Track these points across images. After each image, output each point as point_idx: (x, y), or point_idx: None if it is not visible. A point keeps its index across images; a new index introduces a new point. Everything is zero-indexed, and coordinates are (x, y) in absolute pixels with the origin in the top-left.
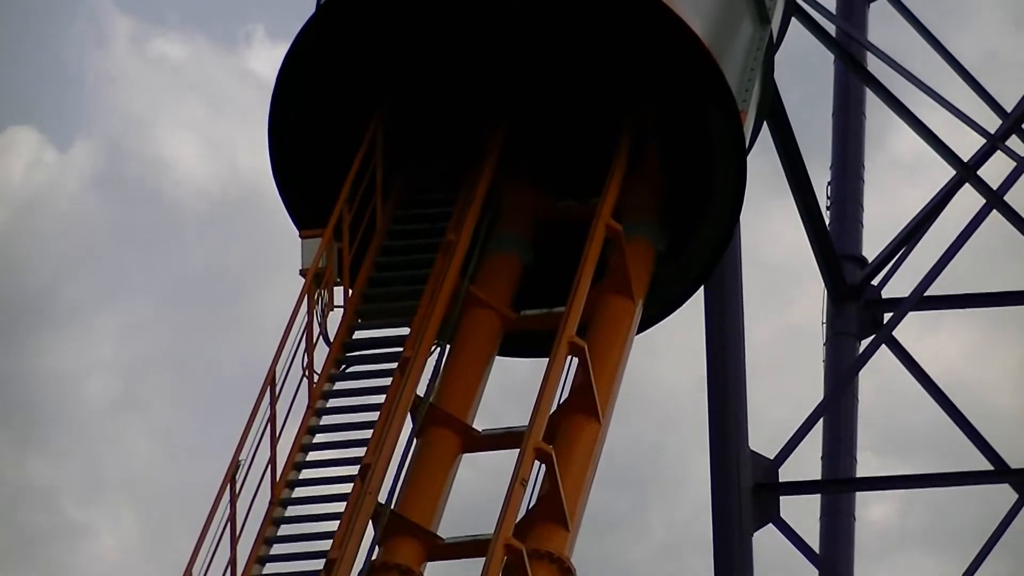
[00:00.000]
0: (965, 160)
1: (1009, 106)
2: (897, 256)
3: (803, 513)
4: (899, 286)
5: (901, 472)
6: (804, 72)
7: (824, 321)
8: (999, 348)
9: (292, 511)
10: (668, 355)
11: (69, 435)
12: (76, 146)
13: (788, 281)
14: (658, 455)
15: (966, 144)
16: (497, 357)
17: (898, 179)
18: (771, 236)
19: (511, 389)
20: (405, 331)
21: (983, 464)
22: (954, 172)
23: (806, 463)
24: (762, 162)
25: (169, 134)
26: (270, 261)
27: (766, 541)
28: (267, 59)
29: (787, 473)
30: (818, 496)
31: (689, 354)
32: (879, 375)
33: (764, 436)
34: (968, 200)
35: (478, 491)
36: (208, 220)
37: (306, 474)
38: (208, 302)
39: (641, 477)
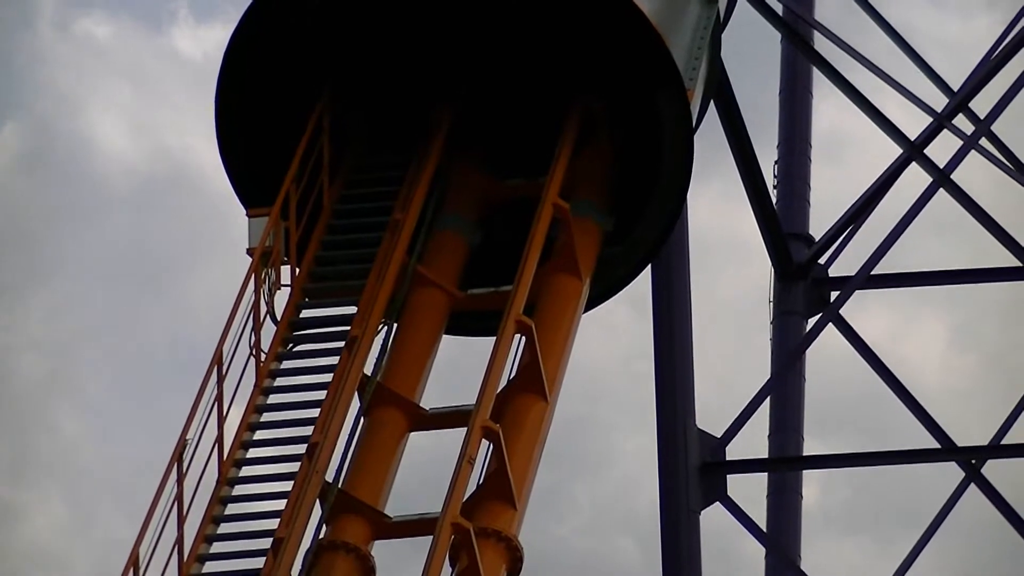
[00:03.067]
0: (912, 139)
1: (956, 85)
2: (844, 235)
3: (750, 491)
4: (847, 264)
5: (847, 451)
6: (751, 51)
7: (771, 300)
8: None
9: (239, 490)
10: (591, 329)
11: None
12: (5, 126)
13: (735, 260)
14: (583, 430)
15: (913, 123)
16: (446, 336)
17: (845, 158)
18: (718, 215)
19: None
20: (352, 310)
21: (929, 442)
22: (901, 151)
23: (753, 442)
24: (709, 141)
25: (96, 114)
26: (198, 239)
27: (713, 519)
28: (191, 38)
29: (734, 451)
30: (765, 474)
31: (612, 329)
32: (826, 353)
33: (711, 415)
34: (915, 179)
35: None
36: (135, 199)
37: (253, 453)
38: (137, 280)
39: (567, 452)
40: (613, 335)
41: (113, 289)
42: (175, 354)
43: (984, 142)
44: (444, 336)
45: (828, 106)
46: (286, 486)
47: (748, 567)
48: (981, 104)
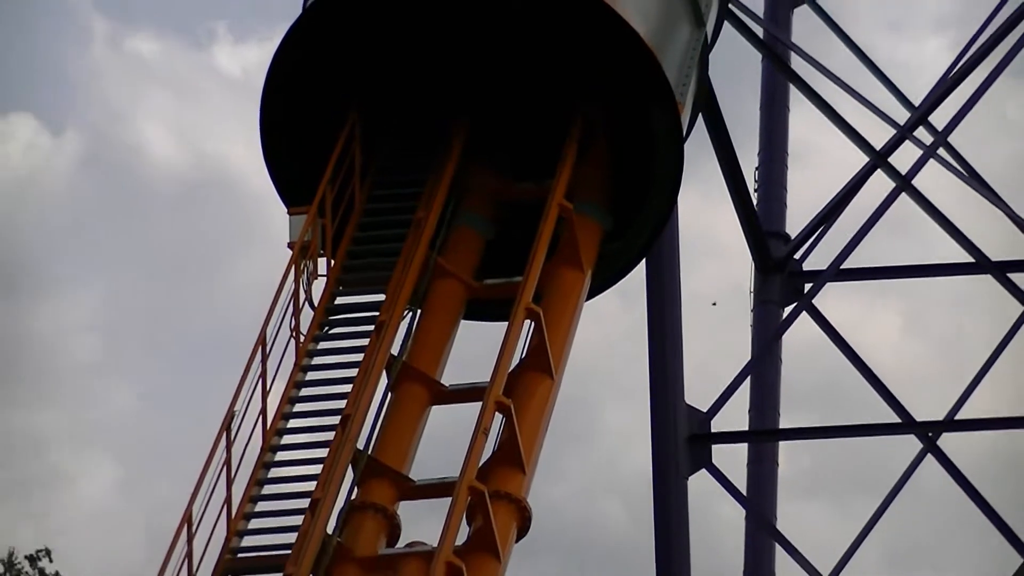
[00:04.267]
0: (878, 148)
1: (917, 100)
2: (817, 233)
3: (732, 460)
4: (819, 259)
5: (819, 424)
6: (735, 70)
7: (751, 290)
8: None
9: (280, 456)
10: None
11: (57, 389)
12: (67, 132)
13: (719, 255)
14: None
15: (879, 134)
16: (464, 321)
17: (818, 165)
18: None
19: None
20: (381, 297)
21: (891, 417)
22: (868, 159)
23: (735, 416)
24: (698, 149)
25: (144, 122)
26: (235, 235)
27: (699, 485)
28: (230, 54)
29: (718, 425)
30: (745, 445)
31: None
32: (799, 338)
33: (698, 392)
34: (880, 184)
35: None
36: (179, 199)
37: (293, 423)
38: (180, 271)
39: (561, 425)
40: (604, 322)
41: (160, 278)
42: (215, 337)
43: (942, 151)
44: (462, 320)
45: (803, 118)
46: (322, 453)
47: (726, 528)
48: (939, 117)
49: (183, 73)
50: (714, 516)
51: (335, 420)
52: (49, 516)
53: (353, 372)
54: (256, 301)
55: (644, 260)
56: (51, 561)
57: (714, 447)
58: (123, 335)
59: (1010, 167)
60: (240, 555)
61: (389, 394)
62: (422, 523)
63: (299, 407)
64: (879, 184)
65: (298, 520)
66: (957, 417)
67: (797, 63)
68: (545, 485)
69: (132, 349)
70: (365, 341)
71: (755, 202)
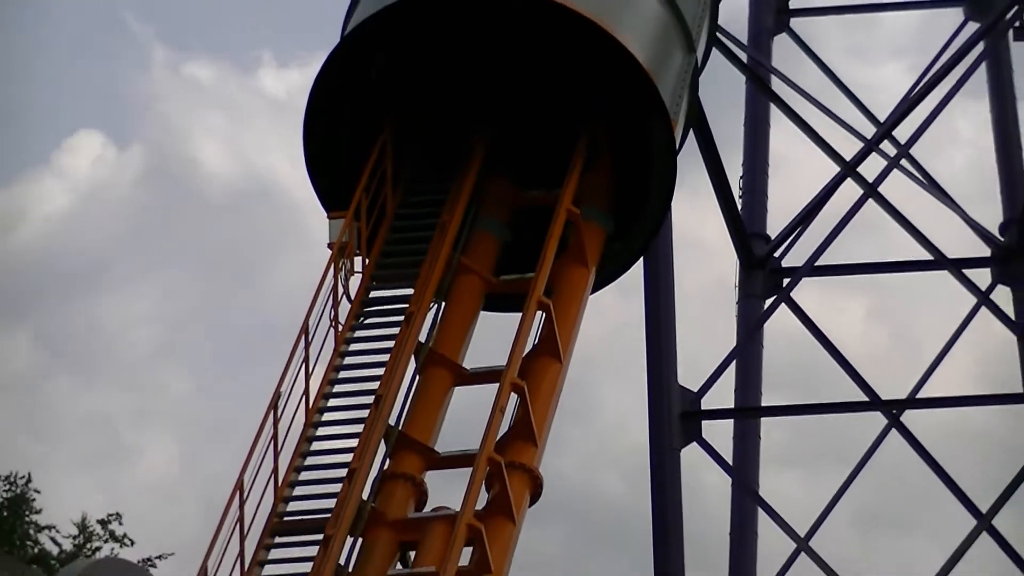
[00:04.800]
0: (848, 159)
1: (883, 117)
2: (794, 234)
3: (720, 435)
4: (796, 257)
5: (796, 402)
6: (722, 90)
7: (737, 285)
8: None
9: (321, 432)
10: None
11: (122, 375)
12: (131, 147)
13: (708, 253)
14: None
15: (849, 147)
16: (483, 312)
17: (795, 174)
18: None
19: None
20: (410, 291)
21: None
22: (839, 169)
23: (722, 395)
24: (689, 161)
25: (199, 139)
26: (279, 238)
27: (690, 457)
28: (274, 78)
29: (707, 403)
30: (731, 421)
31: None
32: (779, 327)
33: (690, 374)
34: (851, 190)
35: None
36: (230, 206)
37: (332, 403)
38: (230, 270)
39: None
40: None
41: (212, 277)
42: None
43: (904, 162)
44: (481, 312)
45: (782, 133)
46: (358, 428)
47: (714, 495)
48: (902, 132)
49: (233, 95)
50: (703, 484)
51: (369, 399)
52: (116, 486)
53: (385, 357)
54: (297, 296)
55: (642, 258)
56: (120, 524)
57: (704, 423)
58: (180, 326)
59: (963, 175)
60: (286, 518)
61: (417, 376)
62: (446, 490)
63: (337, 388)
64: (849, 191)
65: (337, 488)
66: (918, 396)
67: (777, 84)
68: (552, 457)
69: (188, 339)
70: (396, 330)
71: (739, 207)
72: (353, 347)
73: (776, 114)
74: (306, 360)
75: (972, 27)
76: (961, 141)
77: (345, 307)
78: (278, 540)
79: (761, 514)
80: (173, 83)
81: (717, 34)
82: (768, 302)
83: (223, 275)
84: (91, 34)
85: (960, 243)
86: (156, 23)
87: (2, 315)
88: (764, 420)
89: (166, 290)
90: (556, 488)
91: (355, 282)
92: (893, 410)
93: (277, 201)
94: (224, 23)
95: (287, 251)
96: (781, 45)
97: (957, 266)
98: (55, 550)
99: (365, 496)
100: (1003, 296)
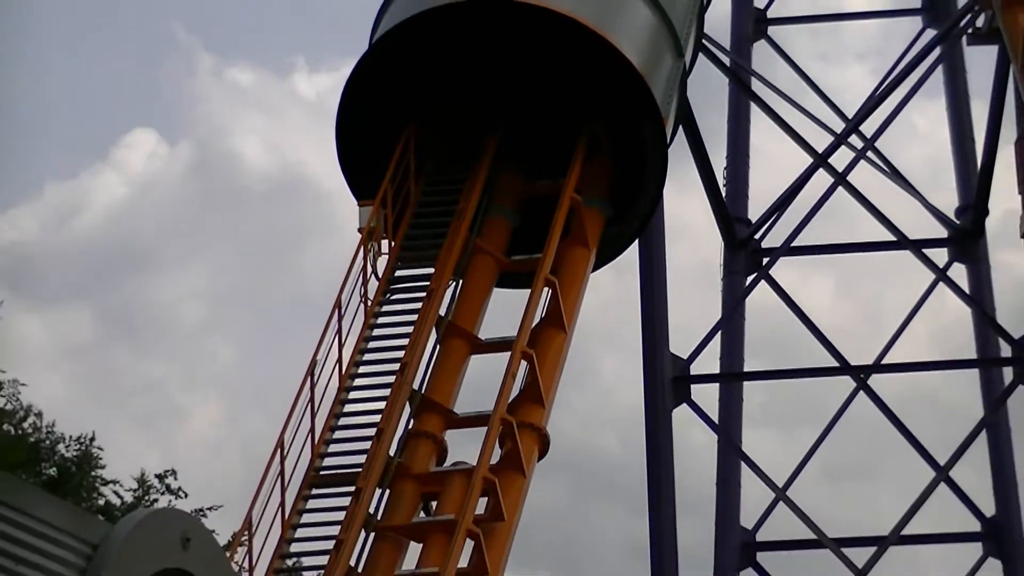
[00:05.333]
0: (820, 151)
1: (851, 114)
2: (772, 218)
3: (707, 397)
4: (774, 239)
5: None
6: (708, 91)
7: (721, 263)
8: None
9: (353, 396)
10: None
11: (174, 344)
12: (180, 143)
13: (696, 236)
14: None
15: (821, 140)
16: (496, 289)
17: (773, 165)
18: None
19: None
20: (431, 270)
21: (831, 362)
22: (812, 160)
23: (709, 362)
24: (679, 153)
25: (240, 136)
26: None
27: (680, 416)
28: (307, 82)
29: (696, 368)
30: (717, 384)
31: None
32: (759, 300)
33: (681, 343)
34: (822, 179)
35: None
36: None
37: (362, 370)
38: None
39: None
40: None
41: (252, 258)
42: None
43: (870, 154)
44: (495, 288)
45: (761, 128)
46: (385, 392)
47: (702, 451)
48: (868, 127)
49: (270, 97)
50: (692, 441)
51: (395, 367)
52: (169, 444)
53: (409, 329)
54: (329, 274)
55: (637, 240)
56: (175, 479)
57: (692, 387)
58: (224, 301)
59: (923, 166)
60: (322, 472)
61: (438, 346)
62: (464, 447)
63: (367, 357)
64: (821, 179)
65: (367, 445)
66: (883, 362)
67: (756, 85)
68: (554, 417)
69: (232, 312)
70: (419, 305)
71: (723, 194)
72: (381, 320)
73: (756, 112)
74: (339, 332)
75: (930, 33)
76: (921, 135)
77: (373, 285)
78: (315, 492)
79: (743, 468)
80: (217, 86)
81: (703, 40)
82: (749, 279)
83: (262, 256)
84: (146, 43)
85: (920, 226)
86: (202, 34)
87: (68, 292)
88: (746, 383)
89: (212, 269)
90: (559, 445)
91: (382, 262)
92: (860, 375)
93: (309, 191)
94: (262, 33)
95: (318, 235)
96: (760, 50)
97: (917, 246)
98: (117, 502)
99: (392, 452)
100: (959, 273)
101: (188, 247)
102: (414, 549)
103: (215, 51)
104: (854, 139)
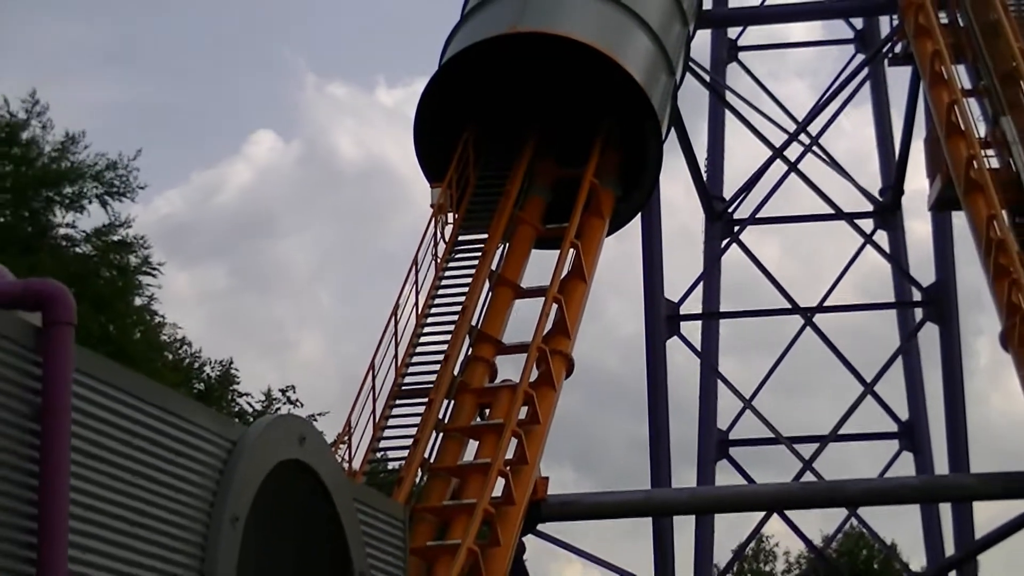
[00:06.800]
0: (777, 146)
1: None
2: (741, 197)
3: (693, 331)
4: (743, 212)
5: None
6: (693, 99)
7: (703, 231)
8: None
9: (427, 330)
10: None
11: (289, 289)
12: (293, 141)
13: (683, 210)
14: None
15: (778, 137)
16: (533, 250)
17: (742, 155)
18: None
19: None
20: (485, 236)
21: (785, 304)
22: (771, 152)
23: (694, 304)
24: (671, 147)
25: (337, 135)
26: (391, 202)
27: (672, 346)
28: (386, 94)
29: (684, 309)
30: (700, 322)
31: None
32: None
33: (672, 289)
34: (778, 167)
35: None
36: (358, 180)
37: (434, 310)
38: (359, 224)
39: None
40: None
41: (347, 226)
42: (384, 260)
43: (815, 148)
44: (534, 249)
45: (733, 128)
46: (450, 328)
47: (688, 372)
48: (814, 127)
49: (359, 105)
50: (681, 364)
51: (458, 308)
52: (287, 366)
53: (469, 280)
54: (406, 240)
55: (640, 214)
56: (294, 392)
57: (681, 323)
58: (327, 258)
59: (850, 156)
60: (403, 387)
61: (490, 293)
62: (510, 368)
63: (436, 301)
64: (777, 167)
65: (437, 367)
66: (825, 304)
67: (729, 96)
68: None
69: (333, 267)
70: (476, 262)
71: (704, 178)
72: (447, 274)
73: (729, 116)
74: (416, 283)
75: (859, 57)
76: (852, 133)
77: (442, 247)
78: (398, 403)
79: (720, 384)
80: (319, 97)
81: (689, 62)
82: (724, 242)
83: (356, 224)
84: (262, 65)
85: (851, 201)
86: (305, 56)
87: (209, 253)
88: (722, 321)
89: (317, 235)
90: (577, 366)
91: (448, 230)
92: (807, 314)
93: (389, 176)
94: (352, 56)
95: (397, 209)
96: (732, 71)
97: (850, 217)
98: (249, 409)
99: (456, 372)
100: (881, 237)
101: (299, 219)
102: (472, 446)
103: (316, 70)
104: (803, 137)
